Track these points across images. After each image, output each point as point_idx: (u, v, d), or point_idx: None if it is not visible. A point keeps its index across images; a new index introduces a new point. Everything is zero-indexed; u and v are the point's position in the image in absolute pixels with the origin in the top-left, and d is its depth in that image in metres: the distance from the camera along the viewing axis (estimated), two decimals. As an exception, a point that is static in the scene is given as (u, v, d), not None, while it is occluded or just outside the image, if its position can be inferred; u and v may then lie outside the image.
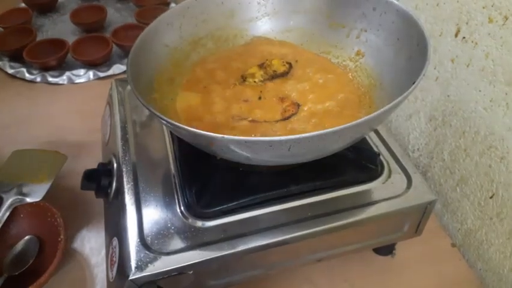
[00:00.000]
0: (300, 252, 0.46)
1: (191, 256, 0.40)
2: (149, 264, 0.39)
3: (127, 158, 0.50)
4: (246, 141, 0.35)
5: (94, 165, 0.51)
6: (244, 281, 0.47)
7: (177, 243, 0.41)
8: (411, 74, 0.40)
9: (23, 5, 1.06)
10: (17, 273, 0.51)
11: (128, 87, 0.60)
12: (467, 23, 0.51)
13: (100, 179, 0.49)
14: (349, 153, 0.47)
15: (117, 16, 1.05)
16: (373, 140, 0.53)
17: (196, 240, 0.41)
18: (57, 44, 0.88)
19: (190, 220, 0.43)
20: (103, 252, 0.55)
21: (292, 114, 0.46)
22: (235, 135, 0.34)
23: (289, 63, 0.53)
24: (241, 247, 0.41)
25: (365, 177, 0.48)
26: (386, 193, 0.46)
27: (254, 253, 0.42)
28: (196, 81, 0.52)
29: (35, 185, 0.56)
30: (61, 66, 0.87)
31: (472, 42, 0.51)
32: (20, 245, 0.54)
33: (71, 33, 0.97)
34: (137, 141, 0.52)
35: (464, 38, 0.53)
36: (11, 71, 0.86)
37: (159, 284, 0.40)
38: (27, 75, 0.85)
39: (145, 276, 0.39)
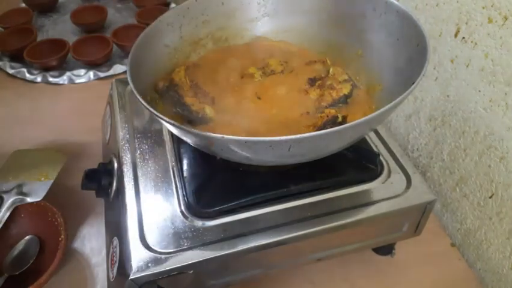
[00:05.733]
0: (300, 252, 0.46)
1: (191, 256, 0.40)
2: (149, 264, 0.39)
3: (127, 158, 0.50)
4: (246, 141, 0.35)
5: (94, 165, 0.52)
6: (244, 281, 0.48)
7: (177, 243, 0.41)
8: (410, 74, 0.40)
9: (23, 5, 1.06)
10: (17, 273, 0.51)
11: (129, 87, 0.60)
12: (466, 23, 0.52)
13: (100, 179, 0.50)
14: (349, 153, 0.48)
15: (117, 16, 1.05)
16: (373, 140, 0.53)
17: (196, 240, 0.42)
18: (57, 44, 0.88)
19: (190, 220, 0.43)
20: (104, 252, 0.55)
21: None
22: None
23: (286, 63, 0.53)
24: (241, 247, 0.41)
25: (364, 177, 0.48)
26: (385, 193, 0.46)
27: (254, 253, 0.42)
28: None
29: (35, 185, 0.57)
30: (62, 67, 0.87)
31: (472, 42, 0.51)
32: (20, 245, 0.54)
33: (71, 34, 0.97)
34: (138, 141, 0.52)
35: (463, 38, 0.53)
36: (11, 71, 0.86)
37: (159, 283, 0.40)
38: (27, 75, 0.85)
39: (145, 275, 0.39)
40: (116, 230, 0.45)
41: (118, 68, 0.87)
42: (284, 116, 0.46)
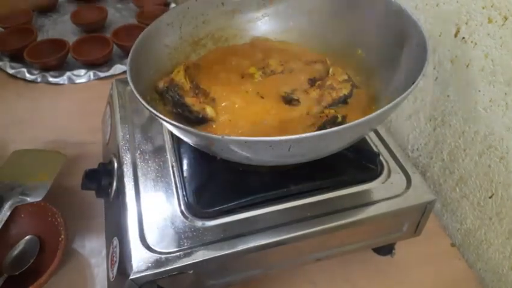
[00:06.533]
0: (300, 252, 0.46)
1: (191, 256, 0.40)
2: (149, 264, 0.39)
3: (127, 158, 0.50)
4: (246, 142, 0.35)
5: (94, 165, 0.52)
6: (244, 281, 0.48)
7: (177, 243, 0.41)
8: (410, 74, 0.40)
9: (23, 5, 1.06)
10: (17, 273, 0.51)
11: (129, 87, 0.59)
12: (466, 23, 0.52)
13: (100, 179, 0.50)
14: (349, 153, 0.48)
15: (117, 16, 1.05)
16: (373, 140, 0.53)
17: (196, 240, 0.42)
18: (57, 44, 0.88)
19: (190, 220, 0.43)
20: (104, 252, 0.55)
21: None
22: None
23: (286, 63, 0.53)
24: (241, 247, 0.41)
25: (364, 177, 0.48)
26: (385, 193, 0.46)
27: (254, 253, 0.42)
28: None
29: (35, 185, 0.57)
30: (62, 67, 0.87)
31: (472, 42, 0.51)
32: (20, 245, 0.54)
33: (71, 33, 0.97)
34: (138, 141, 0.52)
35: (463, 38, 0.53)
36: (11, 71, 0.86)
37: (159, 283, 0.40)
38: (27, 75, 0.85)
39: (145, 275, 0.39)
40: (116, 230, 0.45)
41: (118, 68, 0.87)
42: (284, 116, 0.46)
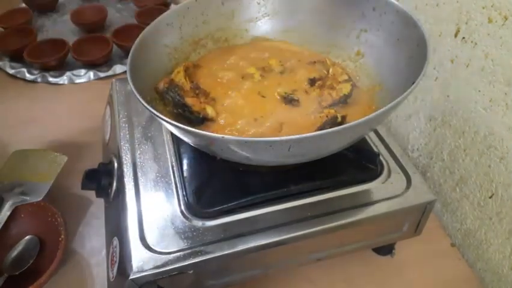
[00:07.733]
0: (300, 252, 0.46)
1: (191, 256, 0.40)
2: (149, 264, 0.40)
3: (127, 158, 0.50)
4: (246, 141, 0.35)
5: (94, 165, 0.52)
6: (244, 281, 0.48)
7: (177, 242, 0.41)
8: (411, 74, 0.40)
9: (23, 5, 1.06)
10: (17, 273, 0.51)
11: (129, 87, 0.59)
12: (466, 23, 0.52)
13: (100, 179, 0.50)
14: (349, 153, 0.48)
15: (117, 16, 1.05)
16: (373, 140, 0.53)
17: (196, 240, 0.42)
18: (57, 44, 0.88)
19: (190, 220, 0.43)
20: (104, 252, 0.55)
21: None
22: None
23: (286, 63, 0.53)
24: (241, 247, 0.41)
25: (364, 177, 0.48)
26: (385, 193, 0.46)
27: (254, 253, 0.42)
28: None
29: (35, 185, 0.57)
30: (62, 67, 0.87)
31: (472, 42, 0.51)
32: (20, 245, 0.54)
33: (71, 34, 0.97)
34: (138, 141, 0.52)
35: (463, 38, 0.53)
36: (11, 71, 0.86)
37: (159, 283, 0.40)
38: (27, 75, 0.85)
39: (145, 275, 0.39)
40: (116, 230, 0.45)
41: (118, 68, 0.87)
42: (284, 116, 0.46)
